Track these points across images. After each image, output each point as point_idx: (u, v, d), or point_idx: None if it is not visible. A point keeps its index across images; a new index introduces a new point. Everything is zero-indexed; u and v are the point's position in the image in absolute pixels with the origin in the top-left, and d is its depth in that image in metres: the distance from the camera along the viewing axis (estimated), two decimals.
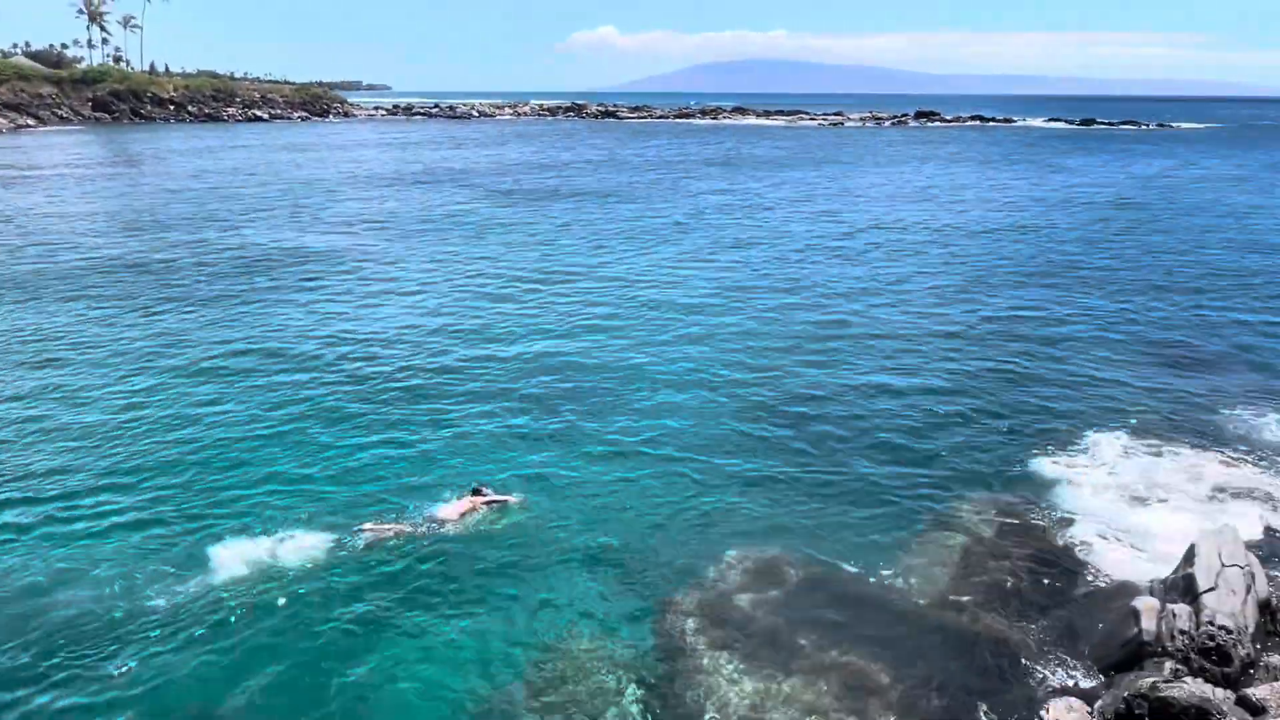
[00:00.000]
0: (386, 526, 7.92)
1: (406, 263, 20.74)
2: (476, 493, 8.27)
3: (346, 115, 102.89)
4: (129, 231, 24.70)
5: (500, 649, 6.35)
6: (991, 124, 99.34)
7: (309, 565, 7.34)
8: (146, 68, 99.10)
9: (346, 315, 15.87)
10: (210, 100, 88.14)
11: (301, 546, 7.61)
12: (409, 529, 7.93)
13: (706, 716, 5.60)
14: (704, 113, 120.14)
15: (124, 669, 6.07)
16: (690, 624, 6.56)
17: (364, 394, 11.66)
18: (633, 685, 5.89)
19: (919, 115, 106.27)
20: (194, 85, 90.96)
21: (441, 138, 71.51)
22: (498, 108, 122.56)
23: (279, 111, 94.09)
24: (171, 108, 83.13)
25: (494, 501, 8.35)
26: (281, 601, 6.83)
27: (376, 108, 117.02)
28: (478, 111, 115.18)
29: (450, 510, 8.12)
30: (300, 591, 6.98)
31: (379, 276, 19.28)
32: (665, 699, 5.78)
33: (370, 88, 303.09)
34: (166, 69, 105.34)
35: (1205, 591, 4.56)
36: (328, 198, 32.80)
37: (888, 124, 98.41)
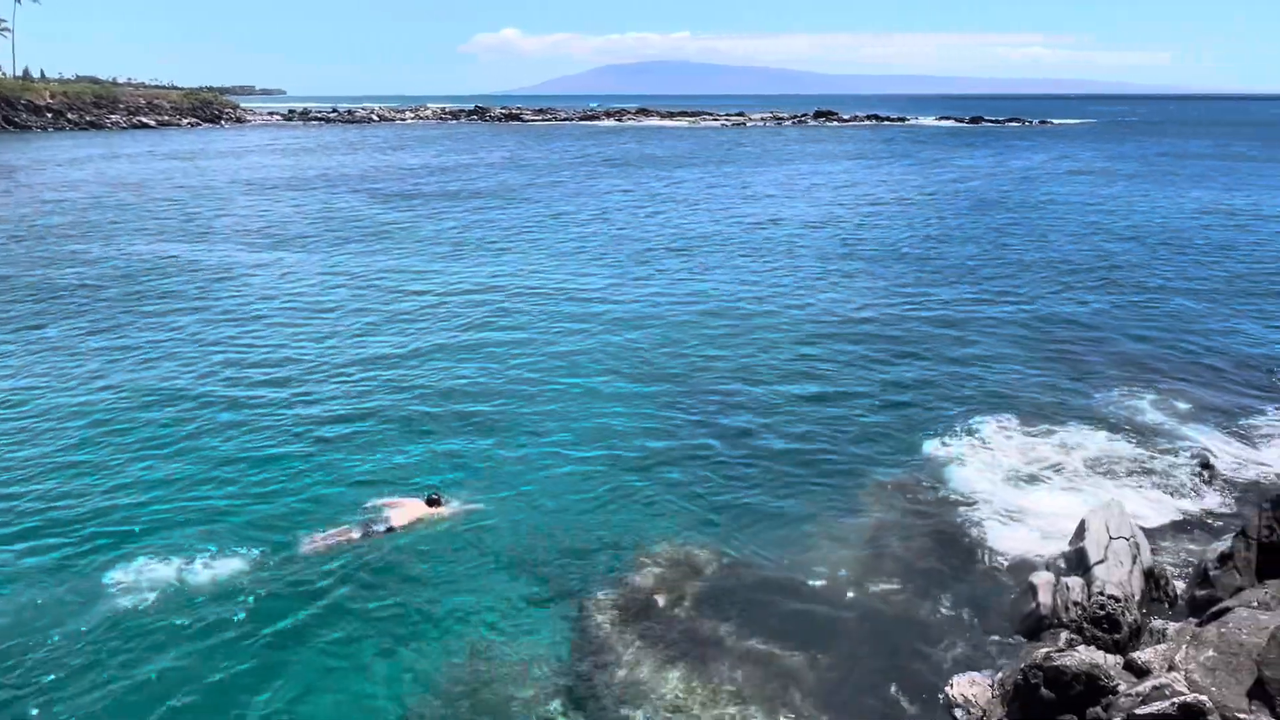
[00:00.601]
0: (331, 536, 7.73)
1: (305, 274, 19.59)
2: (432, 502, 8.20)
3: (239, 121, 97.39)
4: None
5: (422, 660, 6.17)
6: (886, 123, 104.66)
7: (227, 585, 6.98)
8: (19, 73, 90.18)
9: (245, 327, 14.82)
10: (91, 107, 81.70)
11: (217, 567, 7.23)
12: (355, 538, 7.75)
13: (631, 715, 5.51)
14: (608, 115, 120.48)
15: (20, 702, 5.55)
16: (613, 622, 6.53)
17: (271, 413, 10.85)
18: (556, 688, 5.81)
19: (818, 115, 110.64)
20: (73, 91, 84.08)
21: (338, 143, 68.73)
22: (397, 112, 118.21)
23: (167, 118, 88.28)
24: (49, 115, 76.45)
25: (442, 511, 8.20)
26: (193, 623, 6.46)
27: (271, 113, 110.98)
28: (377, 115, 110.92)
29: (399, 517, 8.01)
30: (217, 612, 6.62)
31: (278, 291, 18.06)
32: (590, 700, 5.68)
33: (264, 92, 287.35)
34: (42, 74, 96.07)
35: (1096, 564, 4.89)
36: (219, 207, 30.72)
37: (788, 123, 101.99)
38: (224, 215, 28.70)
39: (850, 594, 6.87)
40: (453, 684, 5.91)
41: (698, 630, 6.45)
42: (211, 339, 14.12)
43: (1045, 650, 4.18)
